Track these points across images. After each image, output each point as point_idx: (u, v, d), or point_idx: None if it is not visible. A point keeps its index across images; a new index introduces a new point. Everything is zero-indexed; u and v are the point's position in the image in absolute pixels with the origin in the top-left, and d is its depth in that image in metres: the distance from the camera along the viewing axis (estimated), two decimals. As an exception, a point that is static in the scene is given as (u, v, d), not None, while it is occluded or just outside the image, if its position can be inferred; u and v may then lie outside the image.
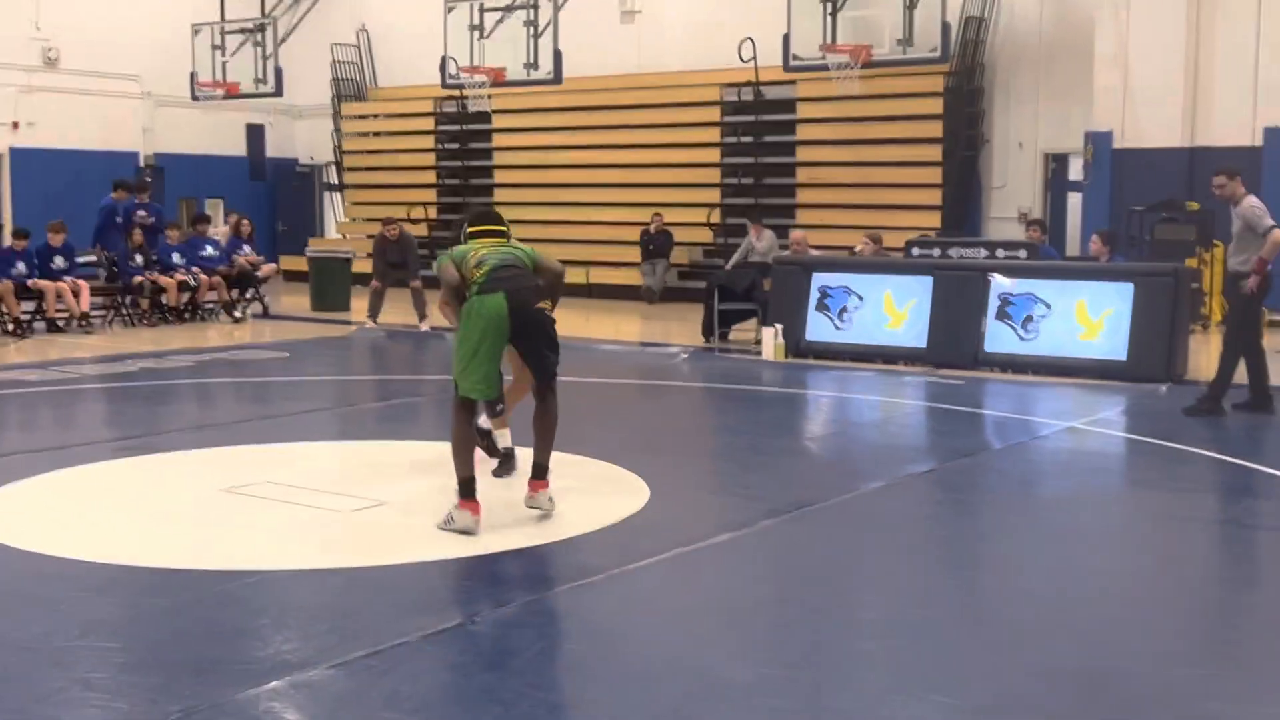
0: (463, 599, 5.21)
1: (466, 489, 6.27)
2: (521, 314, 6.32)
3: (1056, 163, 19.58)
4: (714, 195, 21.16)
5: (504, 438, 7.54)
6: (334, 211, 26.80)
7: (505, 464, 7.46)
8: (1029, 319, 12.22)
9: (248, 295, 18.03)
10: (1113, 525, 6.87)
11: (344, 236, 25.32)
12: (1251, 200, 9.67)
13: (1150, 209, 16.20)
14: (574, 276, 21.32)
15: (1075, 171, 18.90)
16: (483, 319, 6.28)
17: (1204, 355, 12.67)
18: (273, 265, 19.10)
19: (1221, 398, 9.73)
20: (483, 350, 6.30)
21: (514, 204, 23.15)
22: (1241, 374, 9.79)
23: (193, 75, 22.30)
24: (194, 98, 22.60)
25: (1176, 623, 5.14)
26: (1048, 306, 12.16)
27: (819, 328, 13.43)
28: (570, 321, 17.66)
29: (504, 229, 6.86)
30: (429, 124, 24.44)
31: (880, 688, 4.27)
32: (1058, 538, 6.38)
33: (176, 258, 17.08)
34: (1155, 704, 4.16)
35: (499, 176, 23.56)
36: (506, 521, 6.43)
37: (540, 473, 6.44)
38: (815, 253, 15.49)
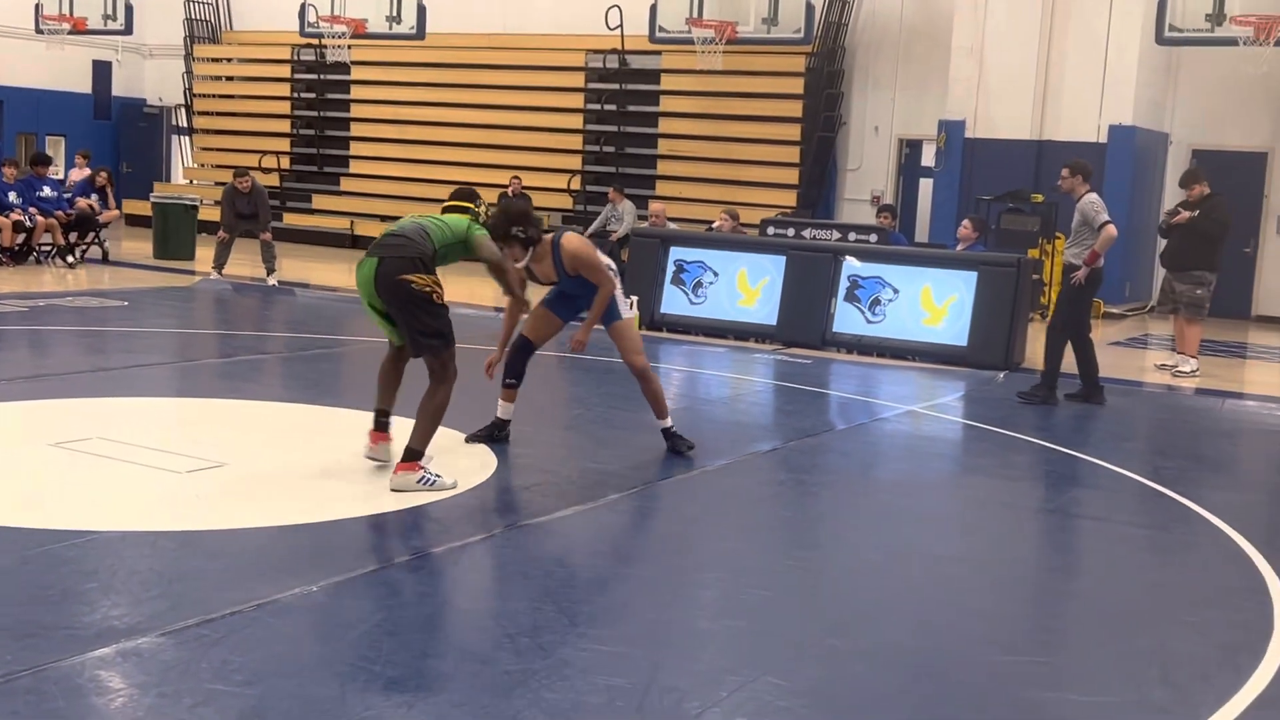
0: (299, 567, 5.11)
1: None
2: (385, 283, 6.21)
3: (910, 148, 20.00)
4: (575, 161, 21.11)
5: (503, 409, 7.47)
6: (182, 156, 26.01)
7: (489, 430, 7.46)
8: (876, 302, 12.49)
9: (87, 240, 17.40)
10: (945, 510, 7.09)
11: (191, 182, 24.62)
12: (1092, 196, 10.02)
13: (997, 199, 16.67)
14: (429, 236, 21.09)
15: (928, 158, 19.33)
16: (359, 280, 6.39)
17: (1041, 344, 13.10)
18: (114, 210, 18.43)
19: (1054, 386, 10.08)
20: (369, 310, 6.47)
21: (369, 158, 22.81)
22: (1072, 364, 10.17)
23: (38, 7, 21.35)
24: (38, 30, 21.64)
25: (1002, 609, 5.32)
26: (895, 291, 12.44)
27: (674, 301, 13.53)
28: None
29: (467, 205, 6.68)
30: (285, 72, 23.87)
31: (716, 668, 4.33)
32: (893, 520, 6.55)
33: (12, 196, 16.37)
34: (979, 690, 4.30)
35: (356, 130, 23.13)
36: (348, 489, 6.34)
37: (406, 455, 6.25)
38: (673, 226, 15.59)
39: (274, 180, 22.78)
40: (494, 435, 7.43)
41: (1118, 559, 6.12)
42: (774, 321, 12.89)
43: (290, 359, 10.91)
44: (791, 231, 13.44)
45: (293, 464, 6.89)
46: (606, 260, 7.36)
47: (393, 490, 6.19)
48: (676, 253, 13.66)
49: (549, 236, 7.19)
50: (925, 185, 19.53)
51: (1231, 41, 15.37)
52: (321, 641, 4.37)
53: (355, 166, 23.04)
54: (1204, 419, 10.32)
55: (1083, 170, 10.13)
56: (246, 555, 5.27)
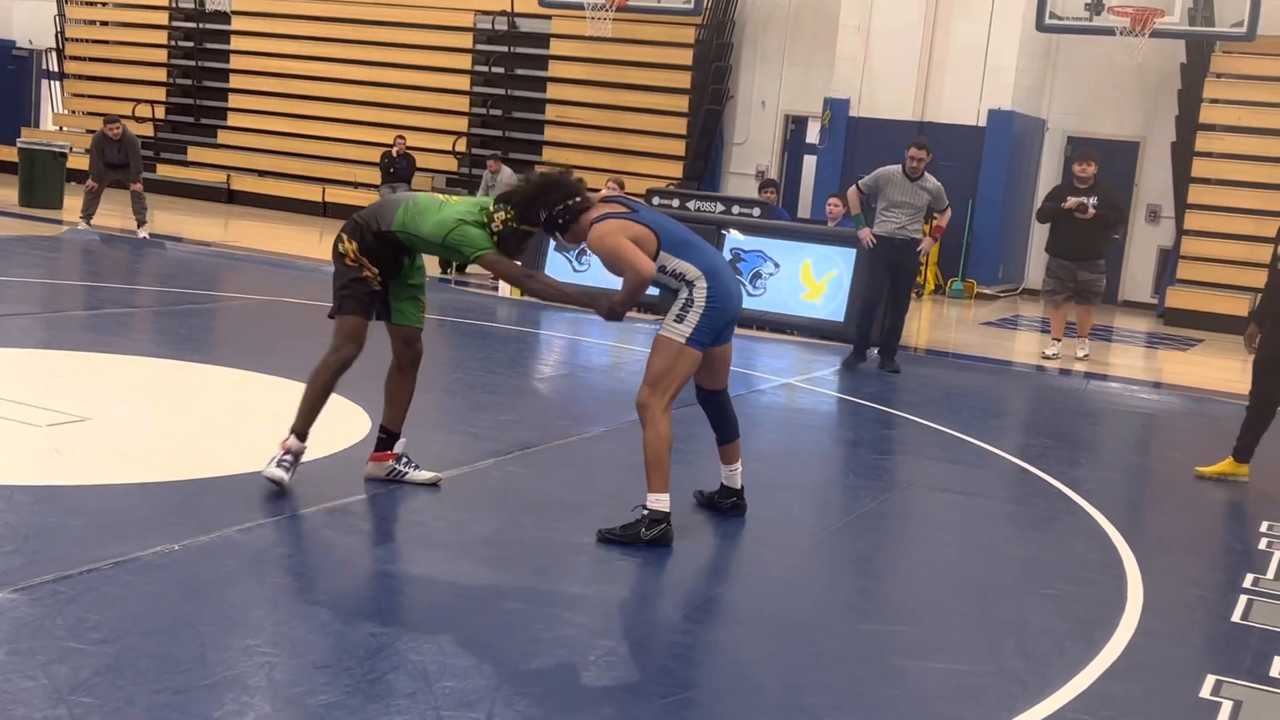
0: (163, 525, 4.99)
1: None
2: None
3: (796, 124, 20.16)
4: (461, 123, 20.88)
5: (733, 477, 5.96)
6: (52, 101, 25.13)
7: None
8: (757, 275, 12.59)
9: (-53, 183, 16.75)
10: (815, 481, 7.19)
11: (61, 129, 23.82)
12: (934, 179, 10.44)
13: (879, 178, 16.87)
14: (309, 194, 20.75)
15: (813, 135, 19.51)
16: None
17: (915, 322, 13.34)
18: (-22, 154, 17.75)
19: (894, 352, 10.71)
20: None
21: (248, 111, 22.28)
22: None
23: (-103, -63, 20.41)
24: (-102, -38, 20.70)
25: (867, 579, 5.42)
26: (776, 265, 12.56)
27: (557, 269, 13.45)
28: (302, 242, 17.23)
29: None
30: (162, 19, 23.17)
31: (586, 630, 4.34)
32: (765, 490, 6.60)
33: None
34: (842, 657, 4.37)
35: (235, 81, 22.56)
36: (216, 447, 6.21)
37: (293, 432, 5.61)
38: (557, 192, 15.48)
39: (148, 130, 22.15)
40: (714, 502, 6.00)
41: (980, 532, 6.27)
42: (656, 292, 12.86)
43: (160, 313, 10.64)
44: (676, 202, 13.46)
45: (159, 420, 6.72)
46: (684, 268, 5.45)
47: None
48: (560, 219, 13.58)
49: (591, 215, 5.47)
50: (809, 162, 19.73)
51: (1109, 31, 15.78)
52: (183, 600, 4.26)
53: (233, 119, 22.49)
54: (1069, 399, 10.61)
55: None
56: (107, 512, 5.12)
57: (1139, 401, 10.64)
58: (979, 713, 4.01)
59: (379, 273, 5.61)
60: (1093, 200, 11.63)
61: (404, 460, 5.91)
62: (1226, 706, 4.17)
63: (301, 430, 5.58)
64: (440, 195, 5.80)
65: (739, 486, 5.92)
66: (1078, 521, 6.42)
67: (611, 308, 5.56)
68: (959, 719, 3.96)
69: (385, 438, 5.88)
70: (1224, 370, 12.11)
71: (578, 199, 5.49)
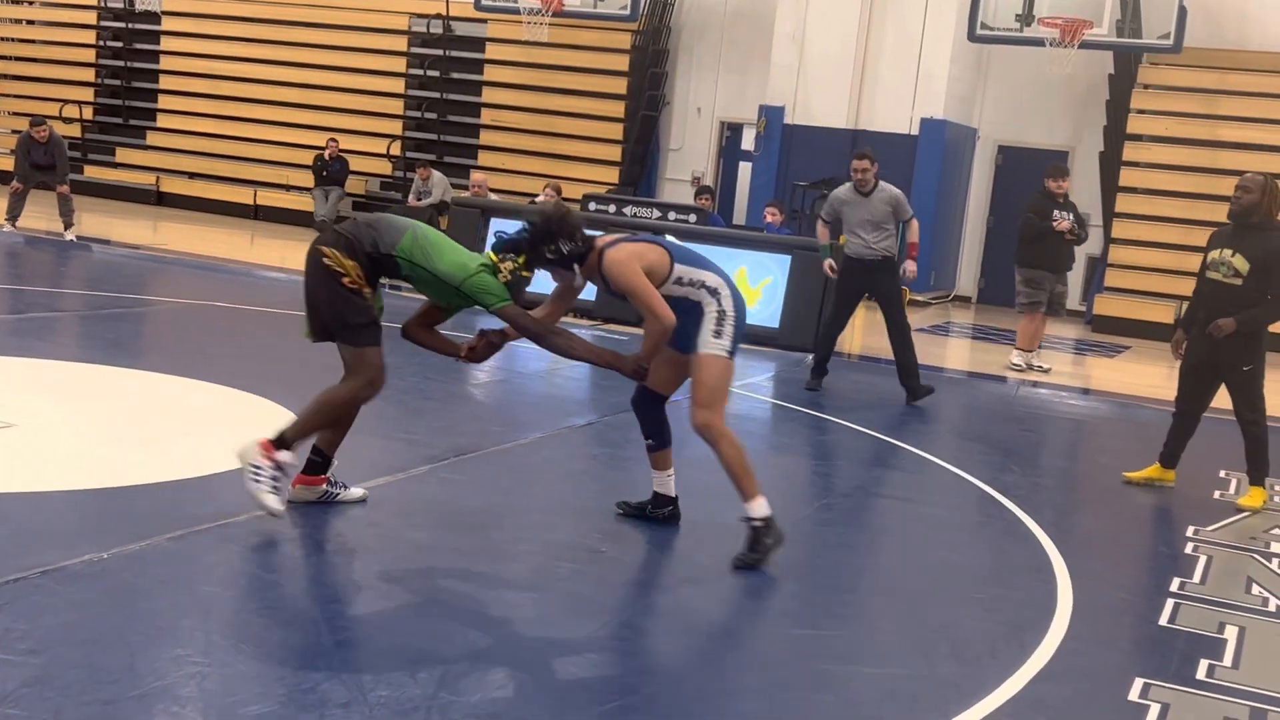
0: (91, 533, 4.90)
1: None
2: (309, 256, 5.31)
3: (731, 131, 20.25)
4: (396, 127, 20.75)
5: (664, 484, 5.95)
6: (-24, 101, 24.65)
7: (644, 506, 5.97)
8: (693, 281, 12.61)
9: None
10: (754, 487, 7.20)
11: (-14, 129, 23.36)
12: (892, 187, 10.03)
13: (812, 185, 17.01)
14: (239, 196, 20.53)
15: (748, 142, 19.60)
16: None
17: (849, 329, 13.40)
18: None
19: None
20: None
21: (178, 112, 22.00)
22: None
23: None
24: None
25: (799, 584, 5.44)
26: (712, 271, 12.59)
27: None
28: (233, 245, 17.04)
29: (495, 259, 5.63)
30: (91, 18, 22.81)
31: (523, 636, 4.33)
32: (700, 496, 6.62)
33: None
34: (776, 662, 4.40)
35: (165, 82, 22.25)
36: (146, 454, 6.12)
37: (276, 435, 5.32)
38: (495, 197, 15.47)
39: (75, 131, 21.79)
40: (645, 512, 5.92)
41: (912, 537, 6.33)
42: (593, 297, 12.89)
43: (87, 317, 10.46)
44: (613, 208, 13.47)
45: (86, 426, 6.61)
46: (703, 276, 5.48)
47: (237, 454, 5.29)
48: (496, 224, 13.55)
49: (600, 243, 5.44)
50: (745, 169, 19.81)
51: (1039, 42, 16.02)
52: (112, 610, 4.20)
53: (162, 120, 22.19)
54: (1001, 405, 10.74)
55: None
56: (33, 520, 5.03)
57: (1068, 408, 10.80)
58: (911, 717, 4.04)
59: None
60: (1070, 215, 11.86)
61: (335, 483, 5.74)
62: (1154, 709, 4.24)
63: (293, 442, 5.28)
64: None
65: (674, 494, 5.92)
66: (1008, 526, 6.50)
67: (636, 369, 5.42)
68: (893, 723, 3.99)
69: (320, 461, 5.66)
70: (1151, 377, 12.32)
71: (587, 230, 5.43)
